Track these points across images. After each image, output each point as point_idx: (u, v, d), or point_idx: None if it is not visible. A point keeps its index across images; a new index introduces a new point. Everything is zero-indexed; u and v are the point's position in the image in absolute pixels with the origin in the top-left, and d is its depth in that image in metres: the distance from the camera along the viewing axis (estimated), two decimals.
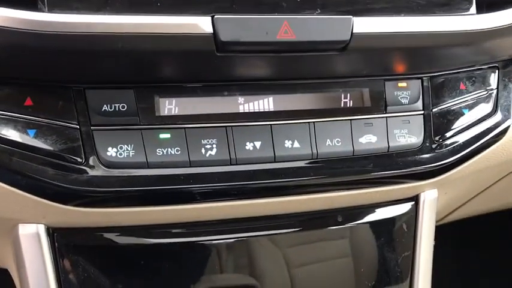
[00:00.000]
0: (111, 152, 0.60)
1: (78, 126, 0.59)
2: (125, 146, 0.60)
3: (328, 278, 0.77)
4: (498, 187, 0.98)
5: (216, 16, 0.55)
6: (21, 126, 0.58)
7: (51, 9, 0.52)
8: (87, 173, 0.59)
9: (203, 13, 0.55)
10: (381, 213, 0.77)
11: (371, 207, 0.76)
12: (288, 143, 0.66)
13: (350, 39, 0.58)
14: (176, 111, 0.63)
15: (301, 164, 0.66)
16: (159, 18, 0.54)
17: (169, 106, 0.63)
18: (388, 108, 0.70)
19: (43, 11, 0.52)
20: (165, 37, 0.54)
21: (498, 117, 0.76)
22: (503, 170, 0.91)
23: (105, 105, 0.60)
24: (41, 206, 0.60)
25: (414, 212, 0.78)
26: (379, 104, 0.70)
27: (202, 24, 0.54)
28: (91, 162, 0.59)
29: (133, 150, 0.61)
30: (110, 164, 0.60)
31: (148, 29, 0.53)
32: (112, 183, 0.60)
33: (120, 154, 0.60)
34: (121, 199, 0.61)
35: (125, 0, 0.54)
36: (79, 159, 0.59)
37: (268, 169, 0.65)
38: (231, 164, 0.64)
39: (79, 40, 0.53)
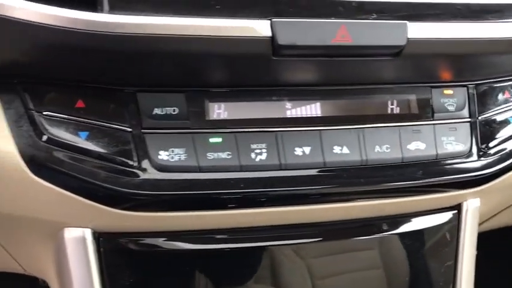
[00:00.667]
0: (163, 155, 0.60)
1: (130, 129, 0.59)
2: (177, 149, 0.60)
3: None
4: None
5: (274, 19, 0.54)
6: (73, 128, 0.58)
7: (110, 10, 0.52)
8: (139, 176, 0.59)
9: (261, 16, 0.55)
10: (423, 222, 0.76)
11: (414, 216, 0.75)
12: (337, 149, 0.65)
13: (405, 44, 0.58)
14: (225, 116, 0.63)
15: (352, 170, 0.65)
16: (218, 21, 0.53)
17: (218, 110, 0.62)
18: (436, 115, 0.69)
19: (102, 12, 0.52)
20: (224, 40, 0.54)
21: None
22: None
23: (156, 109, 0.60)
24: (90, 209, 0.59)
25: (457, 221, 0.77)
26: (426, 111, 0.69)
27: (260, 27, 0.54)
28: (143, 166, 0.59)
29: (185, 154, 0.60)
30: (162, 168, 0.59)
31: (208, 32, 0.53)
32: (164, 187, 0.59)
33: (172, 158, 0.60)
34: (172, 203, 0.60)
35: (183, 2, 0.53)
36: (131, 162, 0.59)
37: (318, 175, 0.64)
38: (280, 169, 0.63)
39: (136, 42, 0.53)
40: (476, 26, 0.61)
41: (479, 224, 0.99)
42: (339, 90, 0.67)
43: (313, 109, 0.66)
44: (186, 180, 0.60)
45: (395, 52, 0.59)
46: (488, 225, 1.03)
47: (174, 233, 0.64)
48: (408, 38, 0.58)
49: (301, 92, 0.66)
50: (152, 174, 0.59)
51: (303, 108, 0.66)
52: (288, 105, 0.65)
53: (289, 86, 0.65)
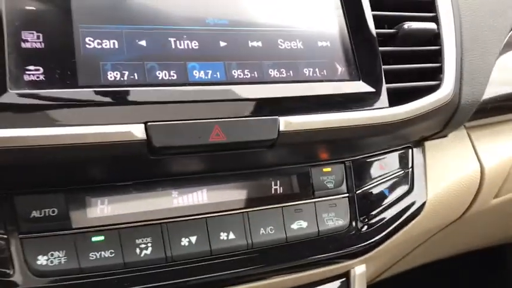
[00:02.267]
0: (42, 260, 0.58)
1: (5, 236, 0.57)
2: (57, 252, 0.59)
3: None
4: (421, 249, 1.05)
5: (149, 123, 0.56)
6: None
7: None
8: (17, 285, 0.57)
9: (136, 121, 0.56)
10: None
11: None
12: (223, 235, 0.67)
13: (277, 137, 0.62)
14: (109, 211, 0.62)
15: (238, 255, 0.67)
16: (91, 128, 0.54)
17: (101, 206, 0.62)
18: (316, 193, 0.74)
19: None
20: (99, 146, 0.54)
21: (415, 194, 0.82)
22: (425, 236, 0.98)
23: (34, 211, 0.59)
24: None
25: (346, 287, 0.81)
26: (306, 190, 0.73)
27: (135, 131, 0.55)
28: (20, 273, 0.57)
29: (65, 256, 0.59)
30: (41, 274, 0.58)
31: (81, 139, 0.54)
32: None
33: (51, 262, 0.58)
34: None
35: (56, 113, 0.54)
36: (8, 271, 0.57)
37: (205, 264, 0.65)
38: (167, 262, 0.64)
39: (6, 154, 0.52)
40: (341, 116, 0.66)
41: (373, 279, 1.05)
42: (224, 176, 0.69)
43: (199, 196, 0.68)
44: (67, 285, 0.58)
45: (269, 144, 0.62)
46: (382, 277, 1.10)
47: None
48: (280, 132, 0.62)
49: (187, 181, 0.67)
50: (30, 281, 0.57)
51: (189, 195, 0.67)
52: (174, 194, 0.66)
53: (174, 176, 0.66)
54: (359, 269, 0.81)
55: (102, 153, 0.56)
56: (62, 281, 0.59)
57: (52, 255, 0.59)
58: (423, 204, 0.82)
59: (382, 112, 0.69)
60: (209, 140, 0.58)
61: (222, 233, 0.67)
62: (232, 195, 0.69)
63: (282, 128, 0.62)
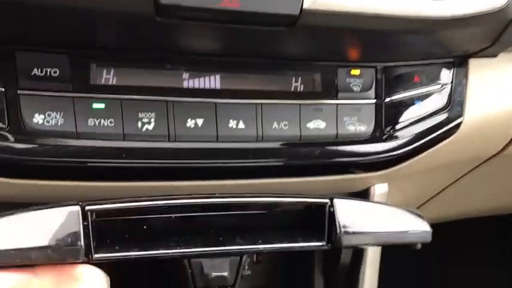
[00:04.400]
0: (38, 118, 0.56)
1: (3, 89, 0.55)
2: (54, 113, 0.56)
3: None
4: (451, 193, 0.97)
5: None
6: None
7: None
8: (9, 139, 0.55)
9: None
10: None
11: None
12: (232, 123, 0.63)
13: (299, 15, 0.55)
14: (114, 81, 0.59)
15: (245, 145, 0.63)
16: None
17: (106, 75, 0.59)
18: (339, 94, 0.68)
19: None
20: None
21: (451, 112, 0.74)
22: (455, 172, 0.90)
23: (35, 69, 0.56)
24: None
25: None
26: (330, 90, 0.67)
27: None
28: (15, 128, 0.55)
29: (62, 118, 0.56)
30: (36, 132, 0.56)
31: None
32: (36, 152, 0.56)
33: (48, 122, 0.56)
34: (45, 170, 0.57)
35: None
36: (1, 125, 0.55)
37: (209, 148, 0.61)
38: (169, 141, 0.60)
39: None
40: (378, 1, 0.59)
41: None
42: (242, 63, 0.64)
43: (212, 81, 0.63)
44: (61, 146, 0.56)
45: (289, 22, 0.56)
46: None
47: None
48: (303, 8, 0.55)
49: (200, 62, 0.63)
50: (24, 137, 0.55)
51: (201, 79, 0.63)
52: (185, 75, 0.62)
53: (186, 55, 0.62)
54: (380, 188, 0.76)
55: (105, 5, 0.52)
56: (56, 142, 0.56)
57: (49, 115, 0.56)
58: (458, 125, 0.74)
59: (426, 3, 0.60)
60: (220, 5, 0.53)
61: (231, 120, 0.63)
62: (247, 84, 0.64)
63: (305, 5, 0.55)
